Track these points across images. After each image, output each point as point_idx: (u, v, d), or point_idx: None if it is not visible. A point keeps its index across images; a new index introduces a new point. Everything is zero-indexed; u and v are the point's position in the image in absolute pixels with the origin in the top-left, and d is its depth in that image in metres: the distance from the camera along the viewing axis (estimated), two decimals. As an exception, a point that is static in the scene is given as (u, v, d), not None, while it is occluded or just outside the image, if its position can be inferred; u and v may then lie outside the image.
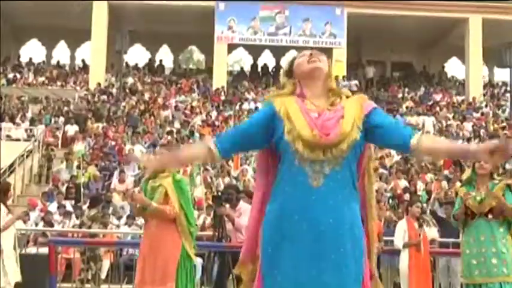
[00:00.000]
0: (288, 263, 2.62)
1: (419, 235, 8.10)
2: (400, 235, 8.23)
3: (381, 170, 16.63)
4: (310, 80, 2.84)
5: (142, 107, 22.30)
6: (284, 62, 31.17)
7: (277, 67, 30.02)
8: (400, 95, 25.88)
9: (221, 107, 23.18)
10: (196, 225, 6.21)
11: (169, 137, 18.95)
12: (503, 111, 24.33)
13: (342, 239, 2.62)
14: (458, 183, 10.40)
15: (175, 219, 5.66)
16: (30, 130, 19.52)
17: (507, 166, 16.10)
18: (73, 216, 12.73)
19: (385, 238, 8.88)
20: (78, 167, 16.09)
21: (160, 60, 30.27)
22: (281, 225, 2.67)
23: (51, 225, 11.79)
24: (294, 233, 2.63)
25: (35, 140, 17.94)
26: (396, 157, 18.68)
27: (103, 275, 9.96)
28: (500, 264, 5.47)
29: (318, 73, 2.83)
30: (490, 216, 5.58)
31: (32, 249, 10.10)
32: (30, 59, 28.99)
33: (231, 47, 27.65)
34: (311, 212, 2.63)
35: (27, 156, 16.99)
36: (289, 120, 2.72)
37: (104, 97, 23.06)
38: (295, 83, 2.88)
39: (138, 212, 5.92)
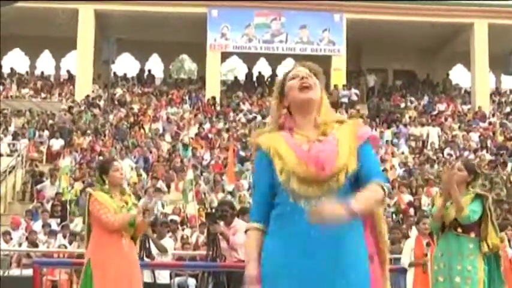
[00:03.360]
0: None
1: (426, 255, 8.07)
2: (407, 253, 8.21)
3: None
4: (301, 109, 2.85)
5: (131, 120, 22.29)
6: (280, 72, 31.26)
7: (273, 76, 30.06)
8: (402, 105, 25.94)
9: (214, 119, 23.19)
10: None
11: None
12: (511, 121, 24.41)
13: (343, 271, 2.68)
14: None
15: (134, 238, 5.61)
16: (13, 145, 19.49)
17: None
18: (59, 235, 12.67)
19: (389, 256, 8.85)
20: (65, 184, 16.05)
21: (149, 70, 30.31)
22: (278, 261, 2.73)
23: (36, 246, 11.73)
24: (291, 269, 2.70)
25: (18, 155, 17.89)
26: (399, 170, 18.71)
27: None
28: (464, 284, 5.31)
29: (309, 105, 2.83)
30: (459, 230, 5.47)
31: (15, 271, 10.05)
32: (13, 69, 28.99)
33: (225, 56, 27.73)
34: (309, 249, 2.69)
35: (9, 172, 16.95)
36: (280, 159, 2.76)
37: (91, 109, 23.05)
38: (281, 114, 2.89)
39: (123, 227, 5.46)
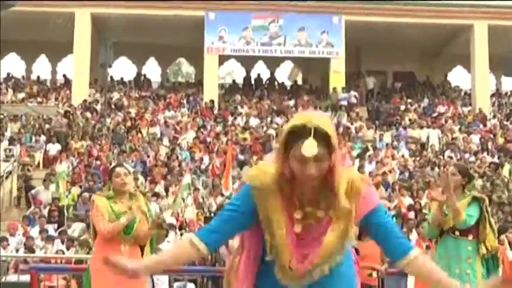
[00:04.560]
0: None
1: (426, 256, 8.11)
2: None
3: (381, 187, 16.68)
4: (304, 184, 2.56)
5: (128, 124, 22.30)
6: (278, 75, 31.32)
7: (272, 79, 30.12)
8: (402, 107, 25.96)
9: (212, 122, 23.22)
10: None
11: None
12: (512, 123, 24.48)
13: None
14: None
15: (141, 246, 5.57)
16: (10, 150, 19.51)
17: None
18: (56, 241, 12.70)
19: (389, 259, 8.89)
20: (62, 189, 16.08)
21: (144, 75, 30.32)
22: None
23: (33, 251, 11.76)
24: None
25: (15, 161, 17.92)
26: (399, 173, 18.76)
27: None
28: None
29: (310, 183, 2.53)
30: (457, 233, 5.50)
31: (12, 277, 10.07)
32: (9, 74, 29.02)
33: (222, 59, 27.75)
34: None
35: (6, 178, 16.97)
36: (272, 238, 2.56)
37: (88, 113, 23.06)
38: (282, 181, 2.54)
39: (117, 231, 5.42)
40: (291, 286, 2.59)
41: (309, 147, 2.40)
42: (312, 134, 2.40)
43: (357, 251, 5.11)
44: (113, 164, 11.10)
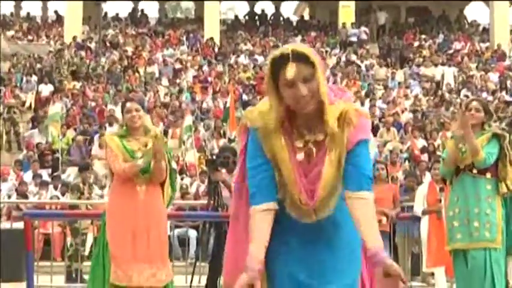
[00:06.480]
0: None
1: (440, 201, 8.07)
2: (420, 201, 8.20)
3: (393, 129, 16.61)
4: (296, 109, 2.71)
5: (124, 63, 22.17)
6: (284, 10, 30.99)
7: (277, 14, 29.76)
8: (416, 44, 25.72)
9: (214, 61, 23.04)
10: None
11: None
12: (533, 59, 24.24)
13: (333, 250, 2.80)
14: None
15: (162, 184, 5.53)
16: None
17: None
18: (50, 186, 12.72)
19: (402, 204, 8.89)
20: (55, 132, 16.02)
21: (142, 10, 29.97)
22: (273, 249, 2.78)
23: (26, 197, 11.79)
24: (283, 253, 2.80)
25: (1, 103, 17.84)
26: (411, 113, 18.65)
27: (86, 251, 9.98)
28: (482, 228, 5.27)
29: (305, 109, 2.68)
30: (475, 171, 5.40)
31: (5, 224, 10.10)
32: (-4, 11, 28.76)
33: (224, -7, 27.42)
34: (300, 239, 2.80)
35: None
36: (279, 174, 2.74)
37: (82, 52, 22.89)
38: (279, 111, 2.70)
39: (134, 173, 5.37)
40: (304, 221, 2.76)
41: (291, 68, 2.60)
42: (291, 58, 2.60)
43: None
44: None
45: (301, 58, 2.61)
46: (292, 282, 2.77)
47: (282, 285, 2.79)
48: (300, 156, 2.72)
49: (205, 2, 25.69)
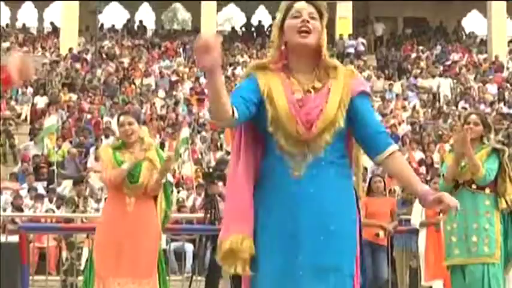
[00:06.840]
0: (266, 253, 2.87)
1: (439, 213, 8.07)
2: (418, 213, 8.21)
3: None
4: (296, 53, 2.92)
5: (121, 75, 22.18)
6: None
7: (274, 26, 29.79)
8: (413, 55, 25.78)
9: (211, 73, 23.05)
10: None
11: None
12: (531, 71, 24.29)
13: (325, 224, 2.83)
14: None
15: (155, 197, 5.49)
16: (-6, 104, 19.40)
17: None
18: (46, 199, 12.70)
19: (400, 217, 8.88)
20: (51, 144, 16.02)
21: (141, 21, 30.05)
22: (261, 215, 2.87)
23: (21, 210, 11.77)
24: (272, 225, 2.85)
25: (-2, 115, 17.85)
26: (409, 125, 18.68)
27: (82, 265, 9.96)
28: (481, 243, 5.30)
29: (305, 49, 2.89)
30: (474, 186, 5.41)
31: (0, 238, 10.08)
32: (-8, 22, 28.80)
33: (221, 4, 27.47)
34: (291, 205, 2.83)
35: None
36: (273, 107, 2.84)
37: (77, 64, 22.91)
38: (281, 52, 2.95)
39: (121, 184, 5.34)
40: (289, 157, 2.83)
41: (304, 7, 2.88)
42: None
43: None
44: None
45: (313, 4, 2.90)
46: (283, 234, 2.82)
47: (270, 240, 2.84)
48: (298, 95, 2.85)
49: (202, 13, 25.75)
